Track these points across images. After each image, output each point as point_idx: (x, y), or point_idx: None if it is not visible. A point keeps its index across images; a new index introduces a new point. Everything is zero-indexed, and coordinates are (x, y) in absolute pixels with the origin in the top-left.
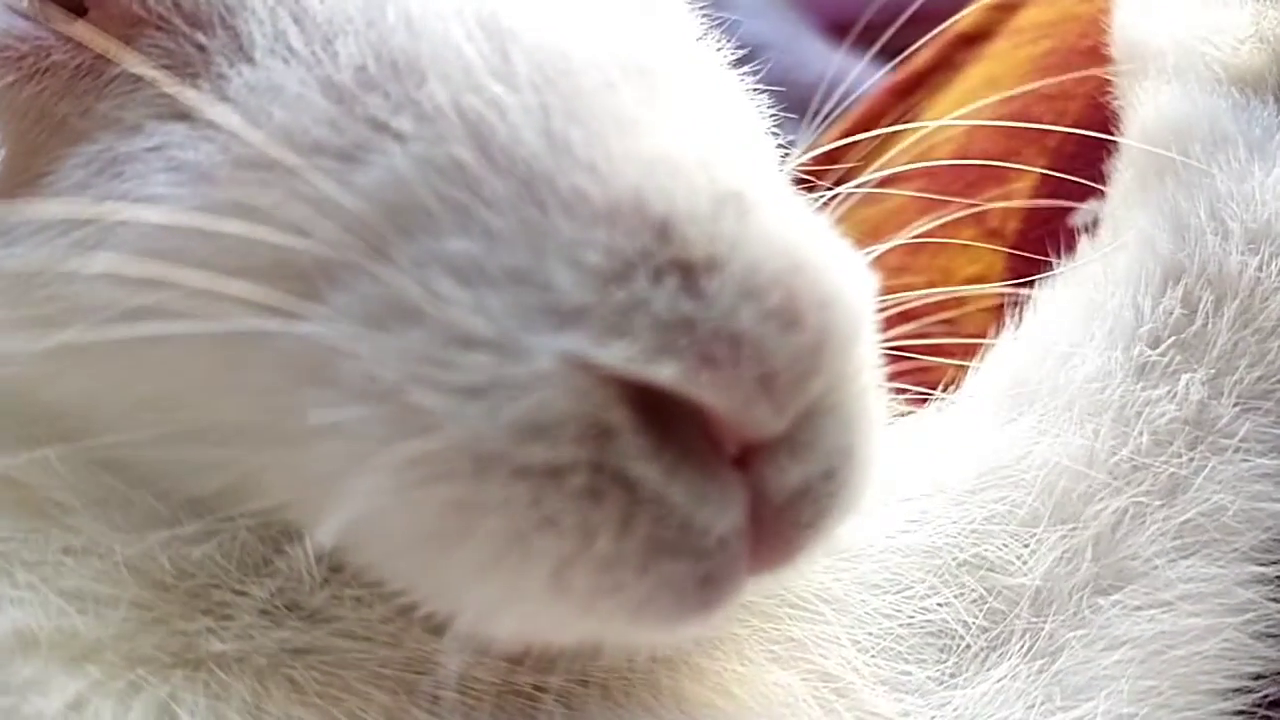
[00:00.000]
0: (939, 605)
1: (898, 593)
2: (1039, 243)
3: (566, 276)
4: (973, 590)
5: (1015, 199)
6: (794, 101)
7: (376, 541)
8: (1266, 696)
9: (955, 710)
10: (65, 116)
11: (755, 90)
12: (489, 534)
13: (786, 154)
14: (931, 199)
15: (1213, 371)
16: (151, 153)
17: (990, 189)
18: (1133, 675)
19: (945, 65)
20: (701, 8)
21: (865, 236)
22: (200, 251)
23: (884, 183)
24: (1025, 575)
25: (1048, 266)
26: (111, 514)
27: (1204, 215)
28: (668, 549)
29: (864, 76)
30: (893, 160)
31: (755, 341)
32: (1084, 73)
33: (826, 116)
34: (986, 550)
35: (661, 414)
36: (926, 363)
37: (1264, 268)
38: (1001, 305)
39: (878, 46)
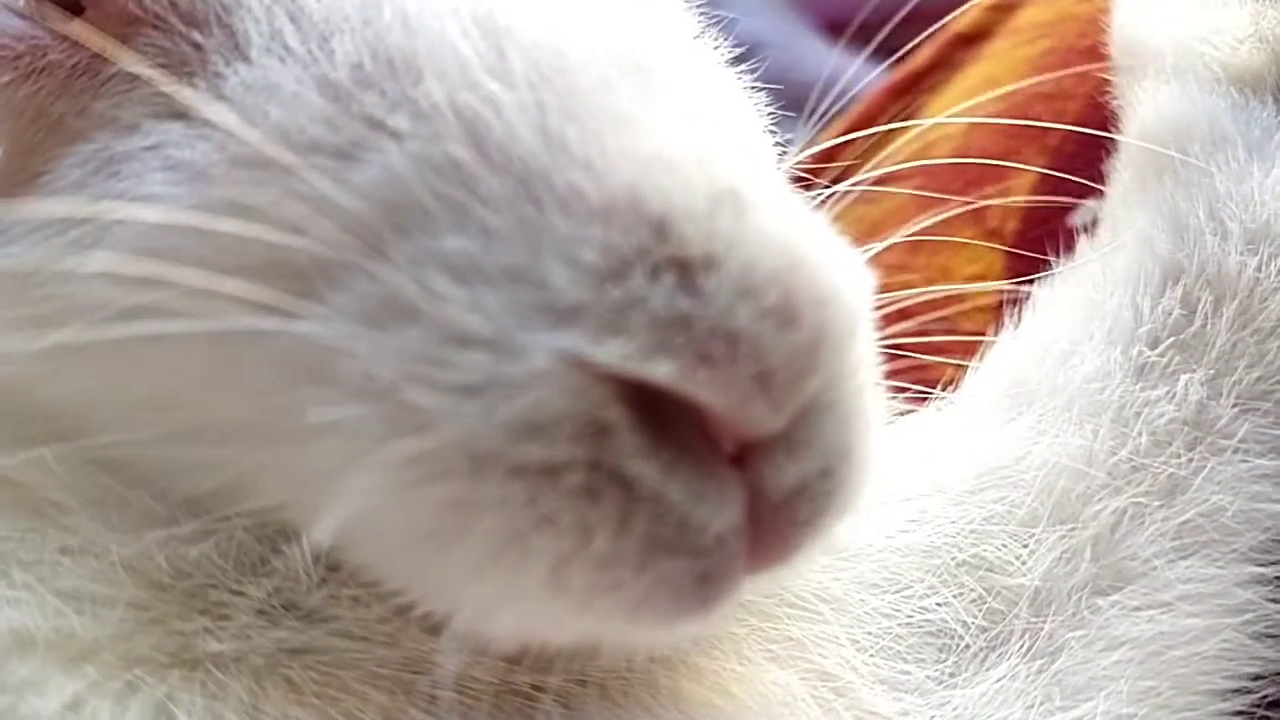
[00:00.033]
0: (938, 605)
1: (896, 592)
2: (1038, 242)
3: (563, 274)
4: (972, 590)
5: (1015, 198)
6: (792, 100)
7: (373, 540)
8: (1266, 697)
9: (955, 710)
10: (62, 116)
11: (753, 88)
12: (486, 533)
13: (784, 152)
14: (931, 197)
15: (1212, 372)
16: (148, 152)
17: (989, 188)
18: (1132, 676)
19: (944, 65)
20: (699, 6)
21: (865, 235)
22: (197, 250)
23: (883, 181)
24: (1024, 575)
25: (1047, 266)
26: (108, 514)
27: (1203, 215)
28: (665, 547)
29: (862, 75)
30: (891, 159)
31: (752, 339)
32: (1082, 68)
33: (823, 115)
34: (985, 550)
35: (658, 412)
36: (925, 361)
37: (1263, 268)
38: (1000, 305)
39: (875, 46)
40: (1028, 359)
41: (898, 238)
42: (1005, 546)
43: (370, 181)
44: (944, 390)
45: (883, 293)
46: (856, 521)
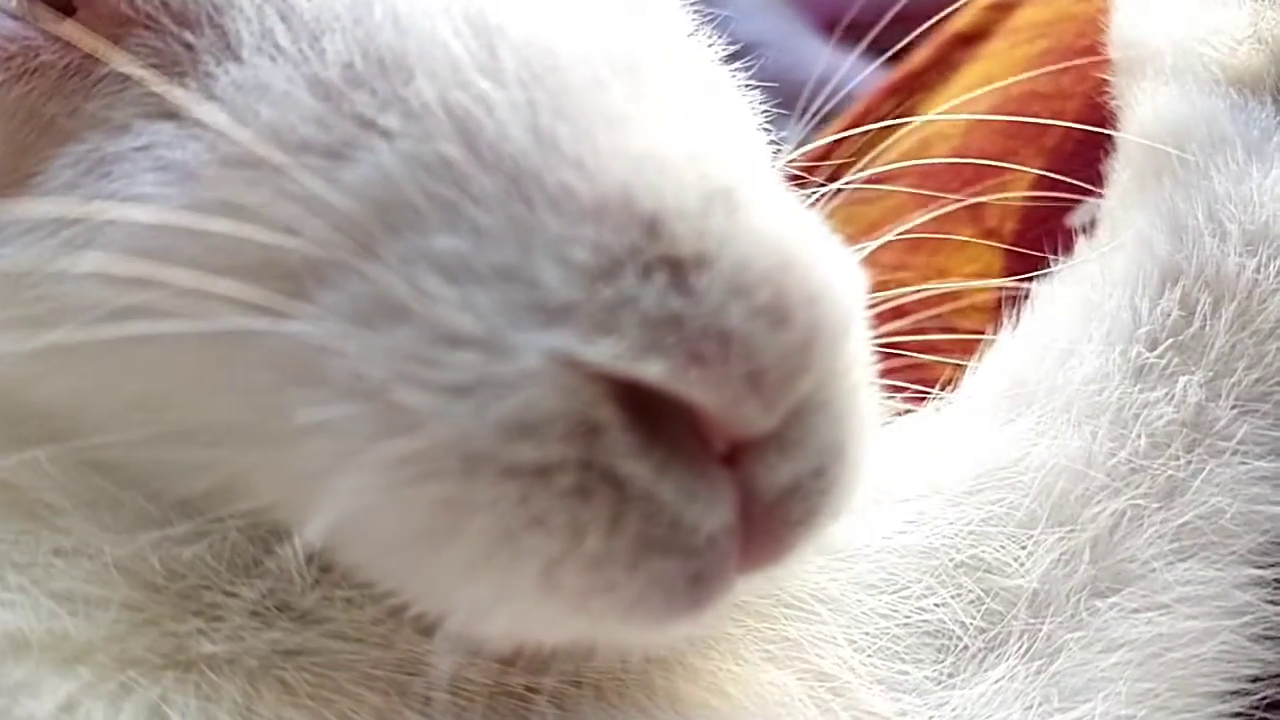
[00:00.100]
0: (936, 606)
1: (894, 593)
2: (1036, 242)
3: (554, 273)
4: (970, 591)
5: (1013, 199)
6: (789, 99)
7: (365, 541)
8: (1264, 699)
9: (953, 710)
10: (54, 116)
11: (749, 88)
12: (478, 533)
13: (779, 151)
14: (930, 196)
15: (1210, 374)
16: (139, 152)
17: (988, 188)
18: (1130, 677)
19: (942, 64)
20: (696, 6)
21: (863, 234)
22: (188, 250)
23: (881, 181)
24: (1023, 577)
25: (1045, 266)
26: (101, 515)
27: (1202, 217)
28: (657, 547)
29: (860, 75)
30: (888, 159)
31: (744, 339)
32: (1078, 62)
33: (818, 114)
34: (984, 551)
35: (650, 411)
36: (922, 360)
37: (1262, 269)
38: (999, 305)
39: (871, 45)
40: (1026, 360)
41: (894, 235)
42: (1004, 548)
43: (361, 181)
44: (942, 390)
45: (880, 291)
46: (853, 522)
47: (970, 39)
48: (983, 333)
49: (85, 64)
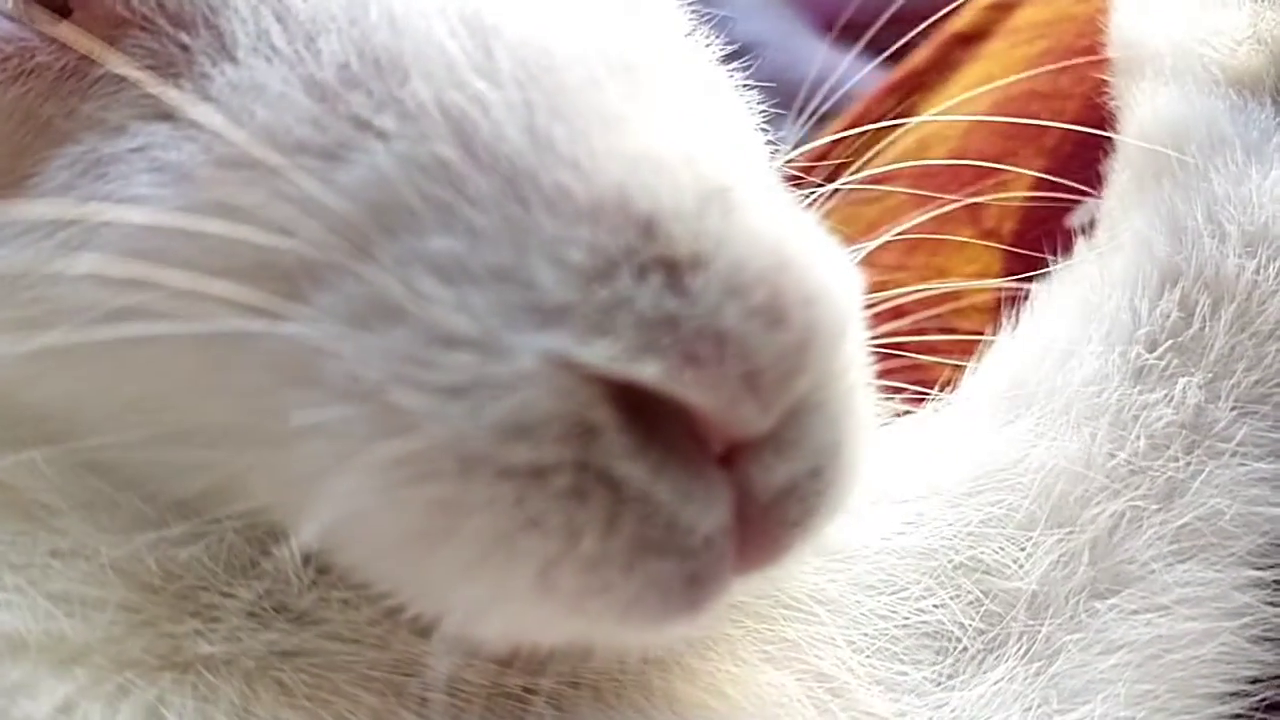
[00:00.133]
0: (935, 607)
1: (892, 594)
2: (1036, 243)
3: (549, 274)
4: (969, 593)
5: (1012, 200)
6: (788, 99)
7: (361, 542)
8: (1264, 700)
9: (952, 711)
10: (50, 118)
11: (747, 88)
12: (474, 534)
13: (777, 151)
14: (929, 197)
15: (1210, 375)
16: (135, 153)
17: (987, 189)
18: (1129, 679)
19: (942, 65)
20: (694, 5)
21: (863, 235)
22: (183, 252)
23: (880, 181)
24: (1022, 578)
25: (1044, 267)
26: (98, 516)
27: (1201, 218)
28: (654, 548)
29: (858, 75)
30: (887, 160)
31: (740, 339)
32: (1078, 60)
33: (815, 113)
34: (983, 553)
35: (646, 413)
36: (920, 361)
37: (1261, 271)
38: (998, 305)
39: (870, 45)
40: (1026, 361)
41: (892, 235)
42: (1003, 549)
43: (357, 182)
44: (941, 391)
45: (879, 292)
46: (852, 523)
47: (970, 39)
48: (982, 333)
49: (81, 65)
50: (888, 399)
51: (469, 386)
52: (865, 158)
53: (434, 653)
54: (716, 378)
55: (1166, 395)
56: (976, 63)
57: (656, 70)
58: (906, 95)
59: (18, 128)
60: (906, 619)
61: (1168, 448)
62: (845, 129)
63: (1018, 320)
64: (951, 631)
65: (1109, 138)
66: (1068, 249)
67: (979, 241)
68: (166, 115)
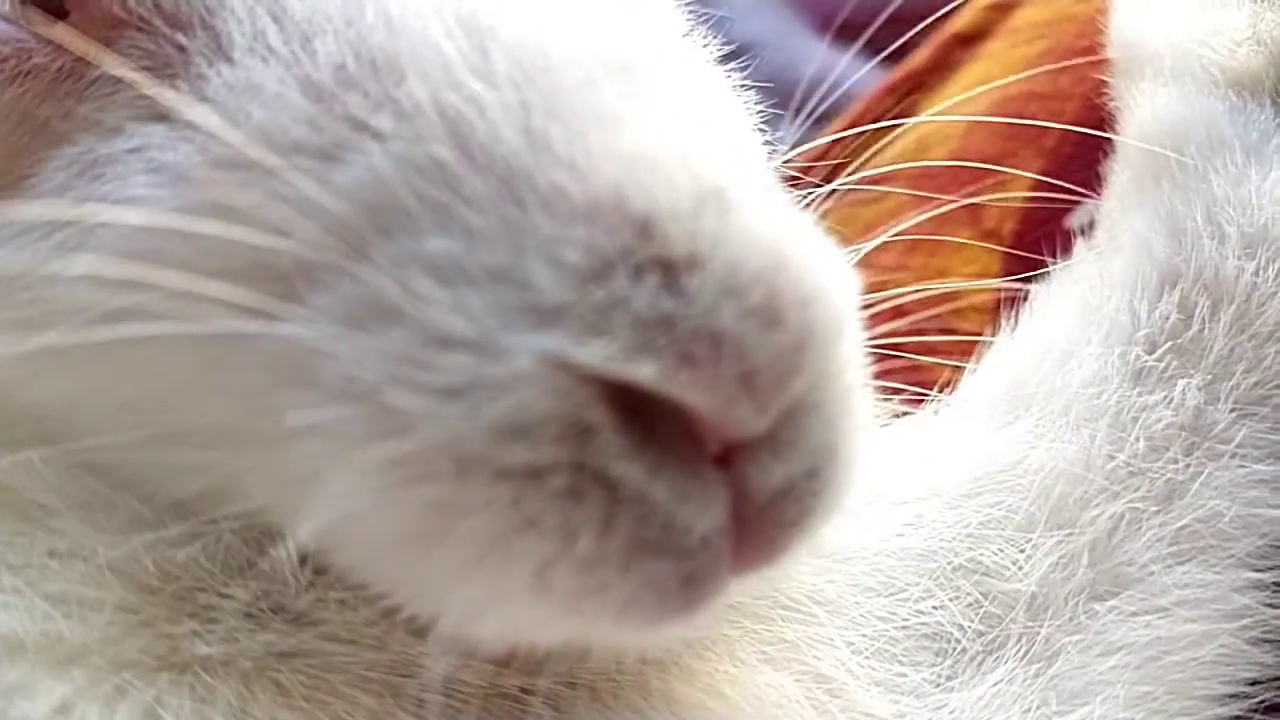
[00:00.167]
0: (934, 609)
1: (891, 596)
2: (1035, 244)
3: (546, 275)
4: (968, 594)
5: (1012, 201)
6: (786, 99)
7: (358, 543)
8: (1263, 702)
9: (952, 713)
10: (47, 119)
11: (745, 88)
12: (470, 535)
13: (775, 151)
14: (928, 197)
15: (1209, 377)
16: (131, 154)
17: (987, 190)
18: (1128, 681)
19: (941, 65)
20: (692, 6)
21: (862, 236)
22: (180, 253)
23: (879, 182)
24: (1021, 580)
25: (1044, 268)
26: (96, 517)
27: (1200, 219)
28: (650, 548)
29: (857, 76)
30: (886, 160)
31: (736, 340)
32: (1077, 60)
33: (812, 114)
34: (982, 555)
35: (643, 413)
36: (919, 361)
37: (1260, 272)
38: (997, 306)
39: (870, 46)
40: (1025, 362)
41: (891, 235)
42: (1002, 551)
43: (353, 183)
44: (940, 392)
45: (878, 292)
46: (851, 524)
47: (969, 39)
48: (981, 335)
49: (78, 67)
50: (886, 400)
51: (465, 387)
52: (864, 158)
53: (430, 653)
54: (712, 378)
55: (1166, 397)
56: (976, 63)
57: (653, 71)
58: (906, 96)
59: (14, 129)
60: (905, 621)
61: (1167, 449)
62: (844, 129)
63: (1017, 321)
64: (951, 633)
65: (1109, 139)
66: (1067, 250)
67: (979, 242)
68: (163, 116)
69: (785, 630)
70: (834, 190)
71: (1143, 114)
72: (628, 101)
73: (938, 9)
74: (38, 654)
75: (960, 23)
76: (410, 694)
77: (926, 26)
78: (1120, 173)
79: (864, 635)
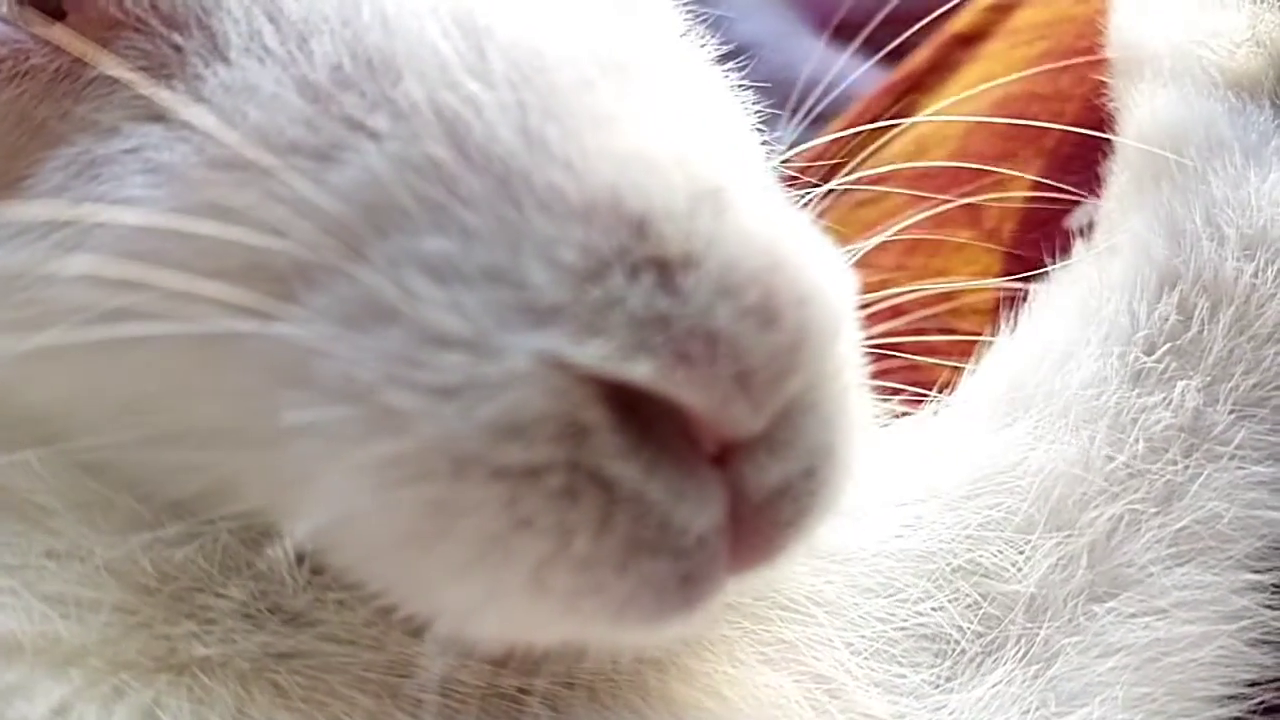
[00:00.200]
0: (933, 610)
1: (890, 597)
2: (1035, 245)
3: (542, 274)
4: (967, 596)
5: (1011, 201)
6: (786, 100)
7: (354, 542)
8: (1261, 703)
9: (951, 714)
10: (44, 120)
11: (744, 88)
12: (467, 534)
13: (773, 152)
14: (928, 198)
15: (1208, 378)
16: (128, 155)
17: (987, 190)
18: (1127, 682)
19: (941, 66)
20: (691, 5)
21: (861, 236)
22: (177, 253)
23: (880, 182)
24: (1020, 582)
25: (1044, 268)
26: (93, 517)
27: (1199, 221)
28: (647, 548)
29: (857, 77)
30: (886, 161)
31: (732, 339)
32: (1076, 59)
33: (810, 113)
34: (981, 556)
35: (639, 413)
36: (918, 361)
37: (1260, 274)
38: (997, 307)
39: (870, 46)
40: (1024, 363)
41: (890, 235)
42: (1001, 552)
43: (349, 183)
44: (939, 392)
45: (877, 293)
46: (850, 525)
47: (969, 40)
48: (980, 335)
49: (75, 67)
50: (885, 399)
51: (461, 387)
52: (863, 159)
53: (427, 653)
54: (708, 377)
55: (1165, 398)
56: (976, 64)
57: (649, 71)
58: (905, 96)
59: (12, 130)
60: (904, 622)
61: (1166, 451)
62: (844, 130)
63: (1016, 322)
64: (950, 634)
65: (1108, 139)
66: (1067, 251)
67: (979, 243)
68: (159, 117)
69: (784, 631)
70: (833, 190)
71: (1142, 115)
72: (624, 101)
73: (937, 9)
74: (36, 655)
75: (960, 23)
76: (408, 694)
77: (926, 26)
78: (1119, 174)
79: (863, 636)
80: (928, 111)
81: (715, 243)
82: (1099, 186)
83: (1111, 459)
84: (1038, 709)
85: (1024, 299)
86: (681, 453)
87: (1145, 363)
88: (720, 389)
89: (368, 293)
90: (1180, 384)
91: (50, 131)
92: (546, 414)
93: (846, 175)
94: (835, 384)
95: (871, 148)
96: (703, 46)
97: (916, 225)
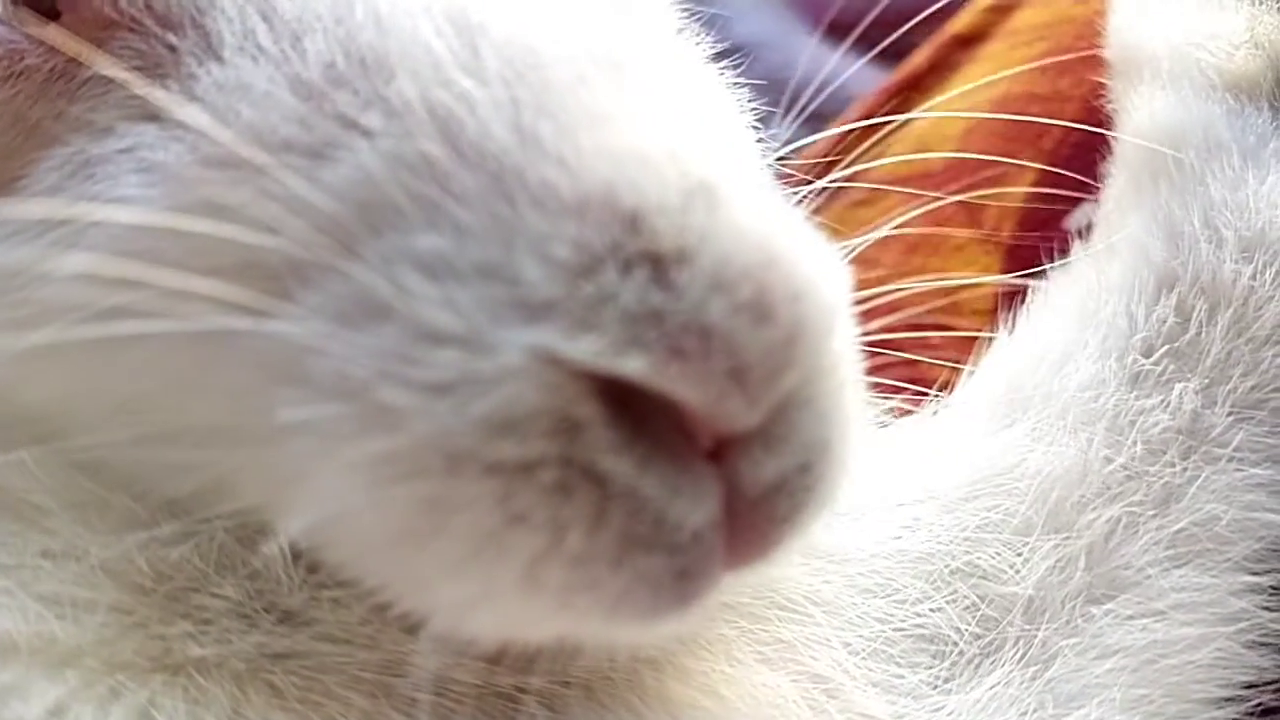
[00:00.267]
0: (931, 611)
1: (888, 597)
2: (1034, 246)
3: (535, 270)
4: (965, 597)
5: (1010, 202)
6: (785, 99)
7: (349, 540)
8: (1259, 705)
9: (949, 715)
10: (39, 120)
11: (741, 87)
12: (461, 531)
13: (768, 150)
14: (928, 197)
15: (1206, 381)
16: (123, 154)
17: (985, 188)
18: (1125, 684)
19: (941, 67)
20: (690, 5)
21: (859, 235)
22: (171, 251)
23: (880, 182)
24: (1018, 584)
25: (1043, 270)
26: (89, 516)
27: (1198, 223)
28: (641, 543)
29: (858, 76)
30: (886, 161)
31: (726, 334)
32: (1074, 55)
33: (804, 111)
34: (979, 558)
35: (634, 408)
36: (915, 358)
37: (1258, 276)
38: (995, 308)
39: (869, 46)
40: (1022, 365)
41: (888, 231)
42: (999, 554)
43: (343, 180)
44: (937, 390)
45: (876, 295)
46: (848, 526)
47: (969, 41)
48: (979, 338)
49: (70, 67)
50: (882, 397)
51: (455, 383)
52: (859, 157)
53: (421, 651)
54: (703, 372)
55: (1163, 401)
56: (975, 64)
57: (644, 68)
58: (905, 97)
59: (6, 130)
60: (903, 623)
61: (1164, 453)
62: (842, 132)
63: (1015, 323)
64: (948, 635)
65: (1107, 140)
66: (1066, 252)
67: (978, 244)
68: (154, 116)
69: (782, 630)
70: (831, 189)
71: (1140, 117)
72: (618, 98)
73: (936, 7)
74: (31, 655)
75: (959, 24)
76: (403, 694)
77: (925, 27)
78: (1118, 175)
79: (861, 636)
80: (924, 108)
81: (708, 238)
82: (1098, 188)
83: (1110, 461)
84: (1035, 710)
85: (1022, 299)
86: (676, 448)
87: (1143, 365)
88: (715, 384)
89: (361, 290)
90: (1178, 386)
91: (45, 132)
92: (540, 409)
93: (845, 176)
94: (831, 380)
95: (866, 144)
96: (698, 45)
97: (916, 226)
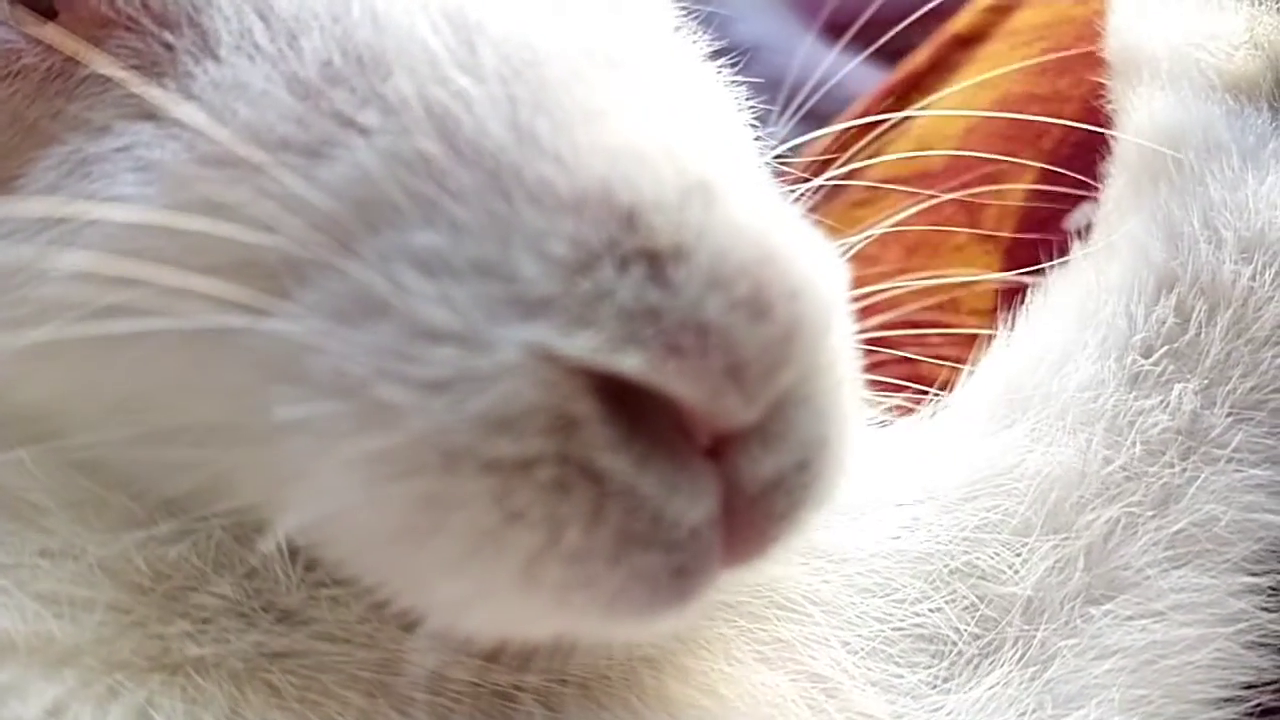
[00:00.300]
0: (930, 611)
1: (887, 597)
2: (1033, 247)
3: (532, 267)
4: (964, 598)
5: (1010, 202)
6: (786, 99)
7: (346, 537)
8: (1258, 705)
9: (948, 715)
10: (36, 119)
11: (741, 86)
12: (458, 528)
13: (766, 148)
14: (928, 197)
15: (1206, 381)
16: (120, 153)
17: (985, 189)
18: (1124, 684)
19: (941, 67)
20: (691, 5)
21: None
22: (168, 250)
23: (879, 182)
24: (1017, 584)
25: (1042, 270)
26: (87, 515)
27: (1197, 223)
28: (639, 541)
29: (855, 75)
30: (886, 161)
31: (723, 331)
32: (1074, 51)
33: (802, 109)
34: (978, 558)
35: (631, 405)
36: (913, 357)
37: (1257, 277)
38: (995, 309)
39: (867, 46)
40: (1022, 366)
41: (884, 228)
42: (998, 555)
43: (340, 178)
44: (936, 388)
45: (874, 293)
46: (847, 526)
47: (969, 41)
48: (978, 338)
49: (67, 66)
50: (881, 395)
51: (452, 380)
52: (858, 156)
53: (419, 649)
54: (700, 369)
55: (1162, 401)
56: (975, 65)
57: (640, 65)
58: (905, 97)
59: (4, 129)
60: (902, 623)
61: (1163, 454)
62: (840, 132)
63: (1014, 324)
64: (947, 636)
65: (1107, 141)
66: (1065, 252)
67: (978, 244)
68: (151, 114)
69: (781, 630)
70: (831, 189)
71: (1140, 117)
72: (614, 95)
73: (937, 9)
74: (29, 654)
75: (959, 24)
76: (401, 692)
77: (924, 26)
78: (1117, 176)
79: (860, 636)
80: (919, 107)
81: (705, 235)
82: (1098, 188)
83: (1109, 462)
84: (1034, 711)
85: (1022, 298)
86: (674, 445)
87: (1143, 365)
88: (712, 381)
89: (358, 288)
90: (1178, 387)
91: (42, 131)
92: (537, 406)
93: (845, 176)
94: (828, 377)
95: (872, 148)
96: (695, 43)
97: (916, 226)
